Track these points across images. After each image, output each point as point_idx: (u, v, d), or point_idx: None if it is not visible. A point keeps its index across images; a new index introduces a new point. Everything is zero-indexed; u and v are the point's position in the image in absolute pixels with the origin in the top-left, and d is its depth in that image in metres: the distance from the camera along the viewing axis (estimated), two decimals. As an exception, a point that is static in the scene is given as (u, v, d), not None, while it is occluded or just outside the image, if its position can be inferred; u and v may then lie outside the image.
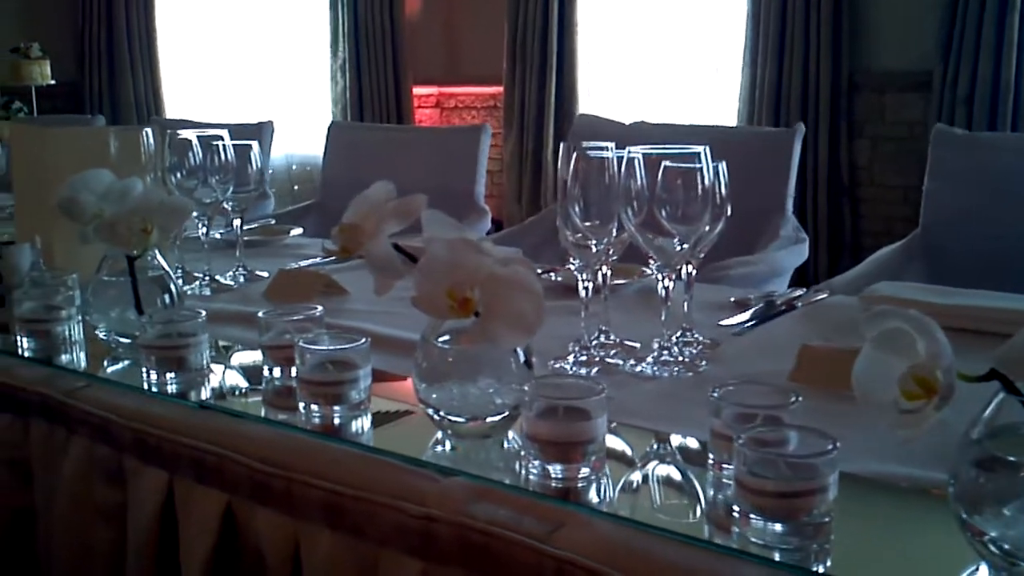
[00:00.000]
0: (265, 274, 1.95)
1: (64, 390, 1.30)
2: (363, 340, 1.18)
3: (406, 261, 1.09)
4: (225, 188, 1.84)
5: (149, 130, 1.82)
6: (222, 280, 1.88)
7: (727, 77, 5.18)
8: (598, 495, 0.98)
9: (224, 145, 1.83)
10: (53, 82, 6.18)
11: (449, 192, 2.90)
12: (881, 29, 4.77)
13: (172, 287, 1.45)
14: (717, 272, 2.20)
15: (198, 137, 1.87)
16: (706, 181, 1.30)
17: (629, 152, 1.34)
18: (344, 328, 1.44)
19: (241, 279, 1.91)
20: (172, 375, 1.29)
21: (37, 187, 1.93)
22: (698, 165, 1.30)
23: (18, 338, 1.48)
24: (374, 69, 6.01)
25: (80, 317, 1.49)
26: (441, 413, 1.08)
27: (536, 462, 0.99)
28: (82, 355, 1.46)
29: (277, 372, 1.30)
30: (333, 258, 2.09)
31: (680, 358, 1.35)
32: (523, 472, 1.01)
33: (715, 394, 0.98)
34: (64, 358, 1.45)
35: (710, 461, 0.98)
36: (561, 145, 1.39)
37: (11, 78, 6.13)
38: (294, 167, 6.22)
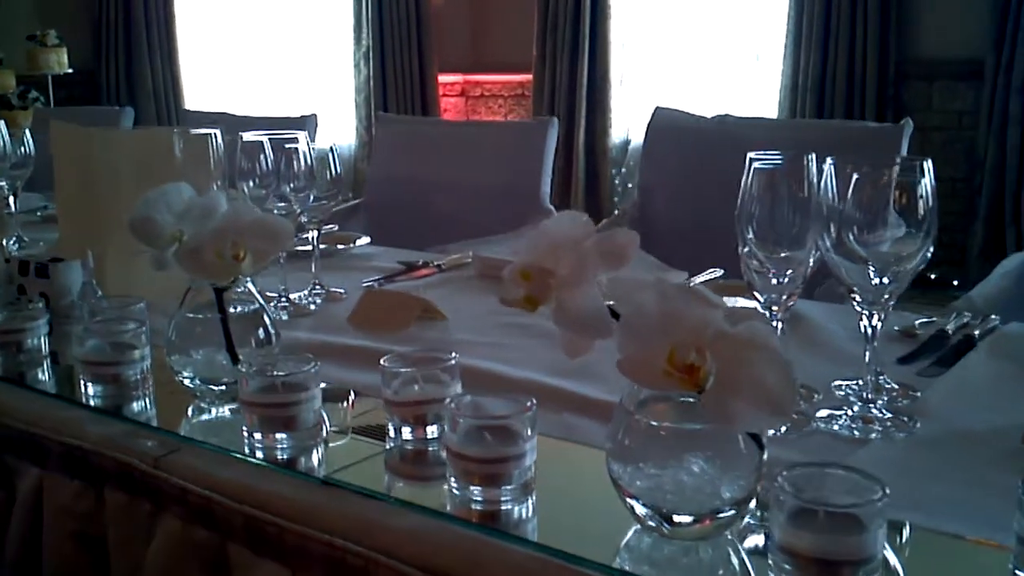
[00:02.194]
0: (341, 291, 1.70)
1: (148, 455, 1.05)
2: (529, 402, 0.93)
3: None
4: (304, 197, 1.59)
5: (218, 131, 1.56)
6: (297, 301, 1.63)
7: (768, 65, 4.91)
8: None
9: (302, 149, 1.57)
10: (70, 71, 5.89)
11: (512, 192, 2.65)
12: (930, 15, 4.51)
13: (267, 323, 1.19)
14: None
15: (270, 139, 1.61)
16: (923, 192, 1.05)
17: (812, 161, 1.10)
18: (476, 372, 1.19)
19: (318, 300, 1.65)
20: (282, 438, 1.04)
21: (88, 197, 1.67)
22: (917, 176, 1.05)
23: (81, 383, 1.23)
24: (399, 57, 5.74)
25: (149, 359, 1.24)
26: (655, 508, 0.83)
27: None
28: (164, 407, 1.21)
29: (407, 432, 1.05)
30: (424, 274, 1.83)
31: (884, 413, 1.10)
32: None
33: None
34: (139, 409, 1.20)
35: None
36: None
37: (27, 66, 5.83)
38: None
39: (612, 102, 5.26)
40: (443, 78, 5.86)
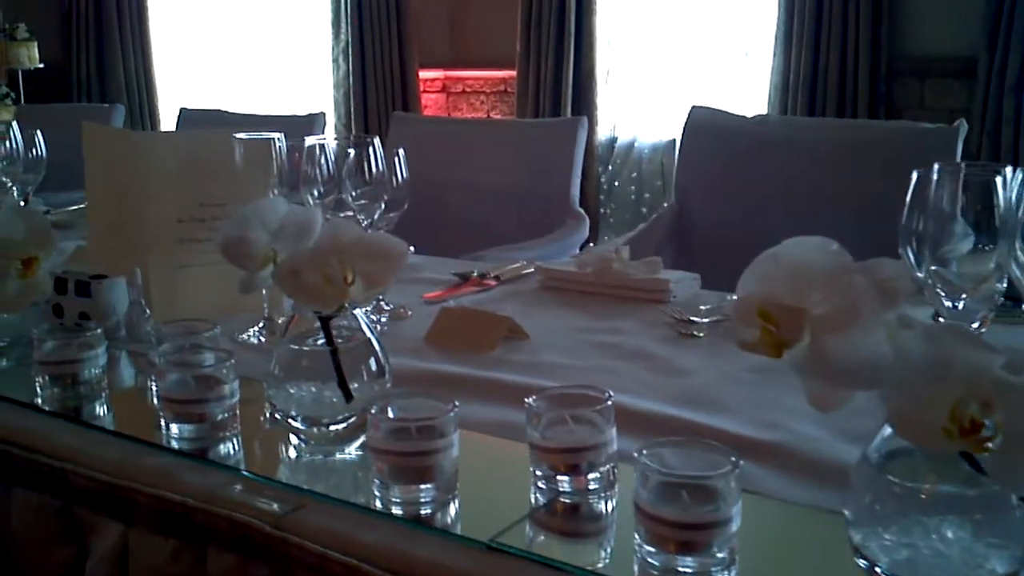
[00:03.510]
0: (406, 308, 1.55)
1: (267, 513, 0.90)
2: (733, 458, 0.80)
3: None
4: (373, 207, 1.44)
5: (280, 135, 1.41)
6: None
7: (757, 62, 4.82)
8: None
9: (375, 152, 1.42)
10: (41, 65, 5.62)
11: (540, 195, 2.52)
12: (923, 12, 4.45)
13: (379, 353, 1.05)
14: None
15: (336, 142, 1.46)
16: None
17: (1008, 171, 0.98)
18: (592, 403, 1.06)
19: (383, 319, 1.51)
20: (426, 489, 0.90)
21: (126, 205, 1.51)
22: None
23: (163, 425, 1.07)
24: (378, 52, 5.56)
25: (238, 393, 1.08)
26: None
27: None
28: (267, 453, 1.06)
29: (564, 483, 0.92)
30: (484, 287, 1.69)
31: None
32: None
33: None
34: (232, 452, 1.05)
35: None
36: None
37: (-4, 61, 5.56)
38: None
39: (598, 99, 5.13)
40: (423, 74, 5.69)
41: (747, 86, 4.83)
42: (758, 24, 4.77)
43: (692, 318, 1.46)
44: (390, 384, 1.05)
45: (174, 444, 1.06)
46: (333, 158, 1.46)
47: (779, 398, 1.16)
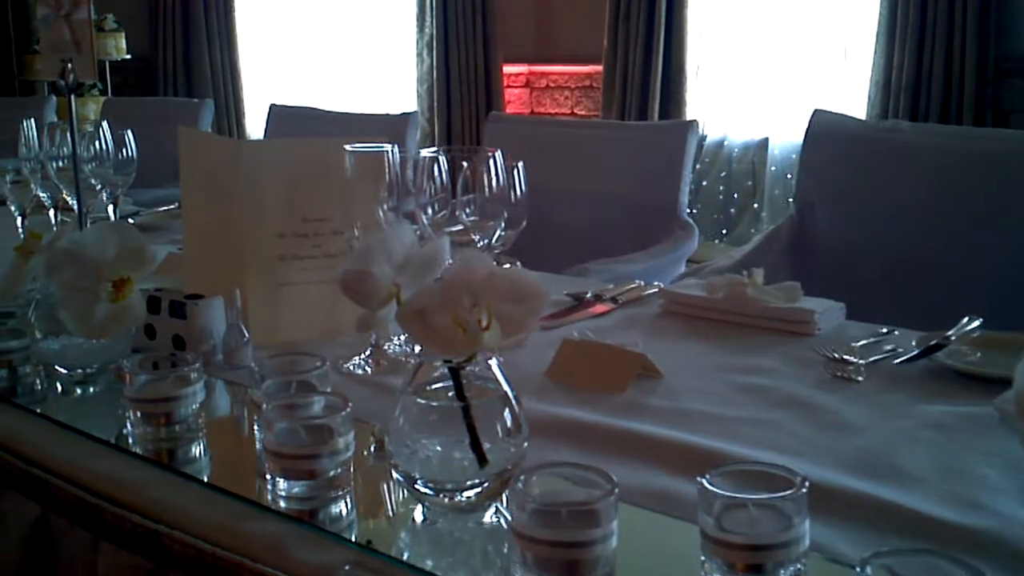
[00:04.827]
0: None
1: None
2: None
3: None
4: (490, 226, 1.29)
5: (394, 146, 1.26)
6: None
7: (856, 62, 4.57)
8: None
9: (496, 164, 1.27)
10: (128, 56, 5.58)
11: (646, 203, 2.35)
12: (1033, 9, 4.18)
13: (515, 407, 0.89)
14: None
15: (445, 154, 1.31)
16: None
17: None
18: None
19: (498, 346, 1.36)
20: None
21: (229, 220, 1.38)
22: None
23: (269, 477, 0.93)
24: (463, 46, 5.43)
25: (353, 446, 0.94)
26: None
27: None
28: (393, 522, 0.92)
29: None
30: (602, 311, 1.54)
31: None
32: None
33: None
34: (341, 515, 0.91)
35: None
36: None
37: (82, 51, 5.52)
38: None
39: (688, 95, 4.93)
40: (507, 68, 5.54)
41: (845, 86, 4.60)
42: (858, 20, 4.53)
43: (846, 356, 1.28)
44: (527, 443, 0.90)
45: (282, 504, 0.92)
46: (448, 170, 1.31)
47: (971, 466, 0.99)
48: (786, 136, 4.79)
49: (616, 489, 0.76)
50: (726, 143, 4.89)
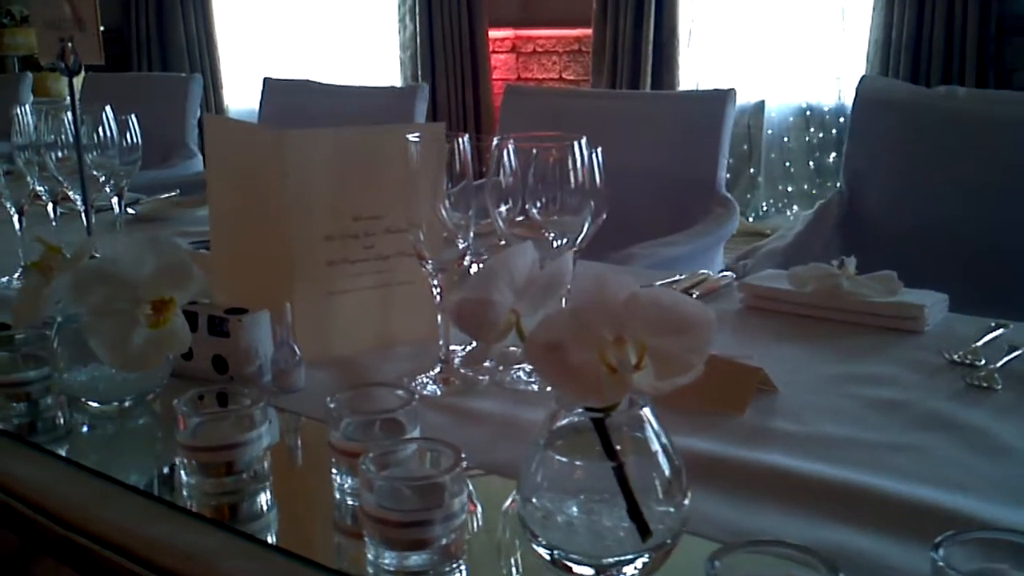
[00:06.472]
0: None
1: None
2: None
3: None
4: (572, 223, 1.12)
5: (466, 137, 1.08)
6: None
7: (854, 23, 4.41)
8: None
9: (581, 152, 1.10)
10: (102, 28, 5.29)
11: (682, 178, 2.18)
12: (1038, -35, 4.03)
13: (673, 461, 0.73)
14: None
15: (515, 142, 1.13)
16: None
17: None
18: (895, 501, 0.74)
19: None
20: None
21: (270, 221, 1.19)
22: None
23: (369, 545, 0.76)
24: (446, 10, 5.20)
25: (467, 507, 0.77)
26: None
27: None
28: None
29: None
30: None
31: None
32: None
33: None
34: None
35: None
36: None
37: (50, 23, 5.23)
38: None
39: (680, 59, 4.75)
40: (492, 33, 5.33)
41: (843, 47, 4.44)
42: (855, -20, 4.37)
43: (972, 359, 1.13)
44: (688, 503, 0.73)
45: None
46: (516, 160, 1.13)
47: None
48: (783, 98, 4.64)
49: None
50: (721, 107, 4.73)
